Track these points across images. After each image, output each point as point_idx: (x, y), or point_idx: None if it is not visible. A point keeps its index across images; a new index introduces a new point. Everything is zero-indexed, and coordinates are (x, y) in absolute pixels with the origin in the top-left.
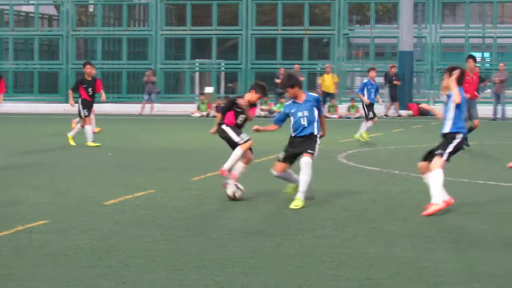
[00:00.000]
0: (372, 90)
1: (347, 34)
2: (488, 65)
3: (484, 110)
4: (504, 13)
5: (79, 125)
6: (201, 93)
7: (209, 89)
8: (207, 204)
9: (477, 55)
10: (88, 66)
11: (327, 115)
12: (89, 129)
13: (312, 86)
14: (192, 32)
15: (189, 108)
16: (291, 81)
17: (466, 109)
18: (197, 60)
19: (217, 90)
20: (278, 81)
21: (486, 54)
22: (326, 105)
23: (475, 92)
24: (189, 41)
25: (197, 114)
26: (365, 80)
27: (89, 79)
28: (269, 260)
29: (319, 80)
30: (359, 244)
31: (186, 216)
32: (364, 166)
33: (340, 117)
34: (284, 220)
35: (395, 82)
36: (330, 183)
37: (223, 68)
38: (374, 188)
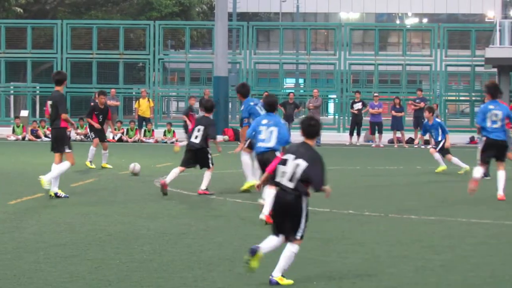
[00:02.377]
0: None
1: (162, 59)
2: (302, 91)
3: (298, 136)
4: (317, 40)
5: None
6: (16, 117)
7: (24, 113)
8: (24, 228)
9: (291, 81)
10: (102, 96)
11: (143, 139)
12: (93, 150)
13: (128, 110)
14: (6, 55)
15: (4, 132)
16: None
17: None
18: (11, 83)
19: (32, 113)
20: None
21: (300, 80)
22: (142, 130)
23: None
24: (3, 63)
25: (13, 138)
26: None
27: (102, 107)
28: (87, 284)
29: (135, 105)
30: (177, 268)
31: (2, 240)
32: (181, 190)
33: (157, 141)
34: (102, 245)
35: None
36: (147, 207)
37: (38, 92)
38: (191, 213)
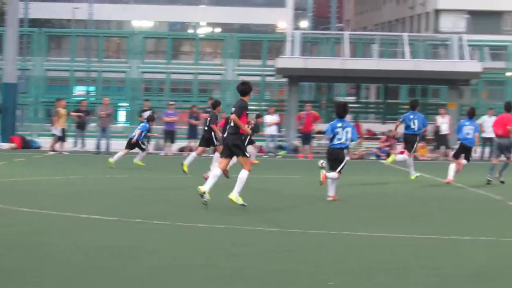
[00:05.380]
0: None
1: None
2: (93, 98)
3: (88, 144)
4: (110, 48)
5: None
6: None
7: None
8: None
9: (82, 88)
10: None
11: None
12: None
13: None
14: None
15: None
16: None
17: None
18: None
19: None
20: None
21: (92, 88)
22: None
23: None
24: None
25: None
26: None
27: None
28: None
29: None
30: None
31: None
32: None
33: None
34: None
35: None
36: None
37: None
38: None
